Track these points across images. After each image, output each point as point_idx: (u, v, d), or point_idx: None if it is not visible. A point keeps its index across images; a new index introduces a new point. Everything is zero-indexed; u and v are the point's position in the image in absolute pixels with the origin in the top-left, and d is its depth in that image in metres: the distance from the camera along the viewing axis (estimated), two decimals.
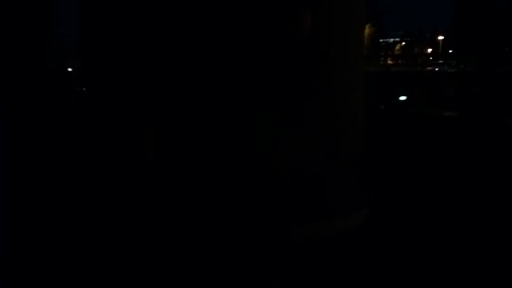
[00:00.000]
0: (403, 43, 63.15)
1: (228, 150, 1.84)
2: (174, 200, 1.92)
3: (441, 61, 32.84)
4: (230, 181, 1.85)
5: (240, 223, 1.82)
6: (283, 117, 1.88)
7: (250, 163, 1.81)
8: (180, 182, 1.94)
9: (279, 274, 1.81)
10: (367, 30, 48.18)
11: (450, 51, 46.86)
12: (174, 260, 1.90)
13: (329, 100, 2.68)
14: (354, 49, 2.83)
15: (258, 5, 1.82)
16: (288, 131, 1.96)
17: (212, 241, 1.85)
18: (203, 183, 1.89)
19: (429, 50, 55.40)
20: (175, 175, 1.93)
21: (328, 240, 2.60)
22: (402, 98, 12.47)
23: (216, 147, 1.87)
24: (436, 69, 29.08)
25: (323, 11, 2.50)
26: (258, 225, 1.80)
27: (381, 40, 57.82)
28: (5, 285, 2.11)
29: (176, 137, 1.92)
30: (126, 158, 1.94)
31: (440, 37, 52.12)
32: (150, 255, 1.97)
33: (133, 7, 1.94)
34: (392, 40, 65.59)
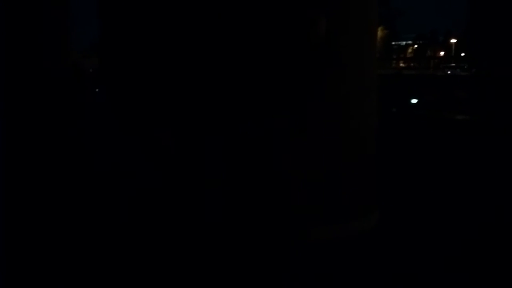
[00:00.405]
0: (416, 46, 62.61)
1: (243, 151, 1.88)
2: (191, 200, 1.97)
3: (453, 64, 32.64)
4: (245, 181, 1.88)
5: (252, 224, 1.85)
6: (298, 119, 1.91)
7: (265, 164, 1.85)
8: (197, 182, 1.98)
9: (290, 274, 1.84)
10: (379, 33, 47.82)
11: (463, 54, 46.43)
12: (187, 258, 1.94)
13: (342, 102, 2.71)
14: (368, 52, 2.87)
15: (274, 9, 1.86)
16: (302, 133, 1.99)
17: (224, 240, 1.88)
18: (219, 183, 1.93)
19: (442, 53, 54.90)
20: (193, 175, 1.97)
21: (341, 243, 2.62)
22: (414, 101, 12.39)
23: (232, 148, 1.90)
24: (448, 72, 28.89)
25: (337, 14, 2.54)
26: (270, 225, 1.83)
27: (393, 43, 57.38)
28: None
29: (193, 138, 1.96)
30: (145, 158, 1.98)
31: (453, 40, 51.64)
32: (163, 254, 2.01)
33: (153, 9, 1.99)
34: (404, 43, 65.00)
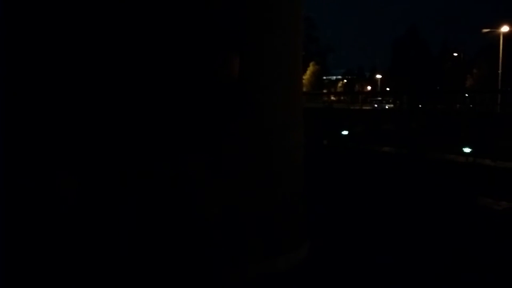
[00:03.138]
0: (345, 80, 66.03)
1: (155, 191, 1.80)
2: (99, 240, 1.84)
3: (379, 98, 34.78)
4: (158, 223, 1.80)
5: (168, 266, 1.76)
6: (212, 158, 1.87)
7: (178, 205, 1.78)
8: (105, 223, 1.86)
9: None
10: (311, 68, 49.84)
11: (388, 89, 49.61)
12: None
13: (262, 140, 2.69)
14: (289, 89, 2.88)
15: (186, 51, 1.85)
16: (219, 172, 1.95)
17: (140, 284, 1.78)
18: (129, 226, 1.82)
19: (369, 87, 58.39)
20: (100, 216, 1.85)
21: (270, 279, 2.58)
22: (345, 132, 12.91)
23: (143, 189, 1.81)
24: (375, 105, 30.74)
25: (253, 54, 2.54)
26: (188, 268, 1.76)
27: (324, 78, 60.01)
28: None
29: (100, 179, 1.83)
30: (43, 200, 1.82)
31: (378, 76, 55.14)
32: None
33: (57, 42, 1.90)
34: (334, 77, 68.39)
